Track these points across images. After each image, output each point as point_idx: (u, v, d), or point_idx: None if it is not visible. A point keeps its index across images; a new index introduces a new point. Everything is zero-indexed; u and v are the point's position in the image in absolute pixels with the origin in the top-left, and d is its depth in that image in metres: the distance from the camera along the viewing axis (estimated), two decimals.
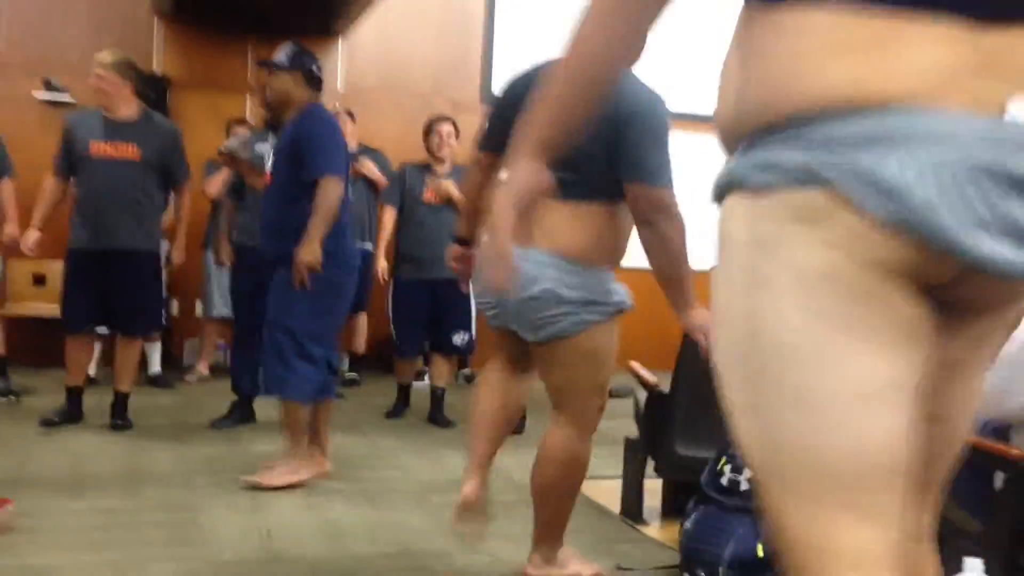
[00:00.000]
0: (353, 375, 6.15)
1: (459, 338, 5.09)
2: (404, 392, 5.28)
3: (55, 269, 5.52)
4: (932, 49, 1.02)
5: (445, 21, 6.93)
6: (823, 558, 1.05)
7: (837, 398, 1.04)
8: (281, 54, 3.82)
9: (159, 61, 6.33)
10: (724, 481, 2.70)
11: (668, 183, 2.41)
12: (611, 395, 6.09)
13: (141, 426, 4.60)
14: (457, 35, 6.96)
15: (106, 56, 4.44)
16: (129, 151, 4.41)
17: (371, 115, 6.42)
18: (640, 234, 2.46)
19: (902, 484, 1.07)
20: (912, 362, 1.07)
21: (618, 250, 2.56)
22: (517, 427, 3.94)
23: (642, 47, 1.27)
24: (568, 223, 2.41)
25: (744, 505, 2.60)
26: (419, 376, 5.80)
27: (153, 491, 3.59)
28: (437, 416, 5.13)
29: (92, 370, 5.27)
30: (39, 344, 5.62)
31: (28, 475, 3.71)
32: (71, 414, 4.57)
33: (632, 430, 3.62)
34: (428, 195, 5.03)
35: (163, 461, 4.02)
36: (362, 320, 6.16)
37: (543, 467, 2.62)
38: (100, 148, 4.40)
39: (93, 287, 4.44)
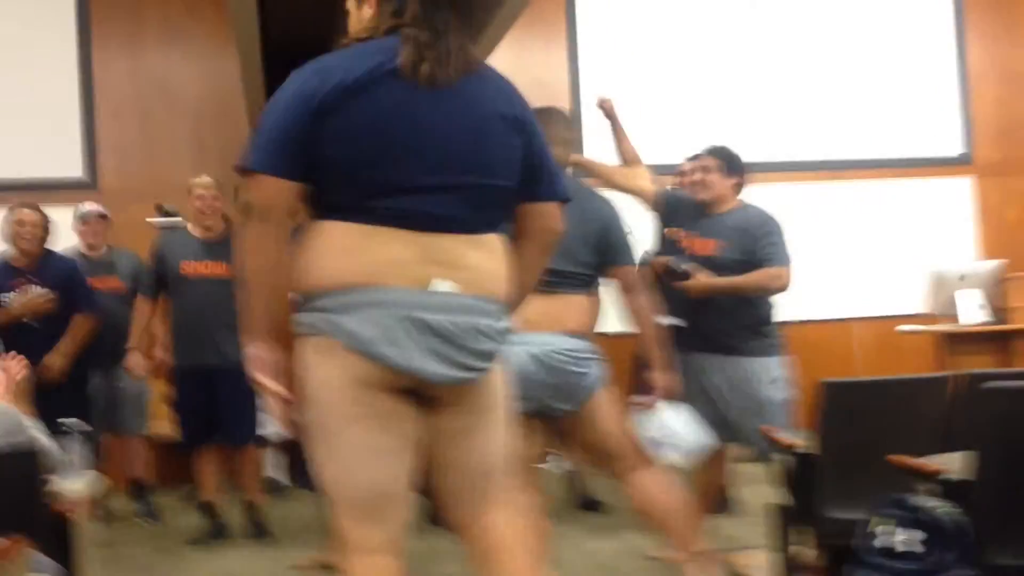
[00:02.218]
0: None
1: None
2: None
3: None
4: (391, 249, 1.81)
5: (531, 100, 6.91)
6: (348, 546, 1.87)
7: (348, 456, 1.84)
8: None
9: None
10: (877, 543, 2.47)
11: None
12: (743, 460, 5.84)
13: (281, 536, 4.58)
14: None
15: (206, 179, 4.57)
16: (221, 269, 4.47)
17: None
18: (628, 301, 3.12)
19: (396, 505, 1.88)
20: (398, 435, 1.86)
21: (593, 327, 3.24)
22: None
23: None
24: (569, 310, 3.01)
25: (904, 568, 2.37)
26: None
27: None
28: (584, 500, 4.98)
29: None
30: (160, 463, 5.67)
31: None
32: (215, 530, 4.57)
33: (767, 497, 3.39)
34: None
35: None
36: None
37: (659, 496, 3.06)
38: (193, 268, 4.50)
39: (202, 403, 4.49)
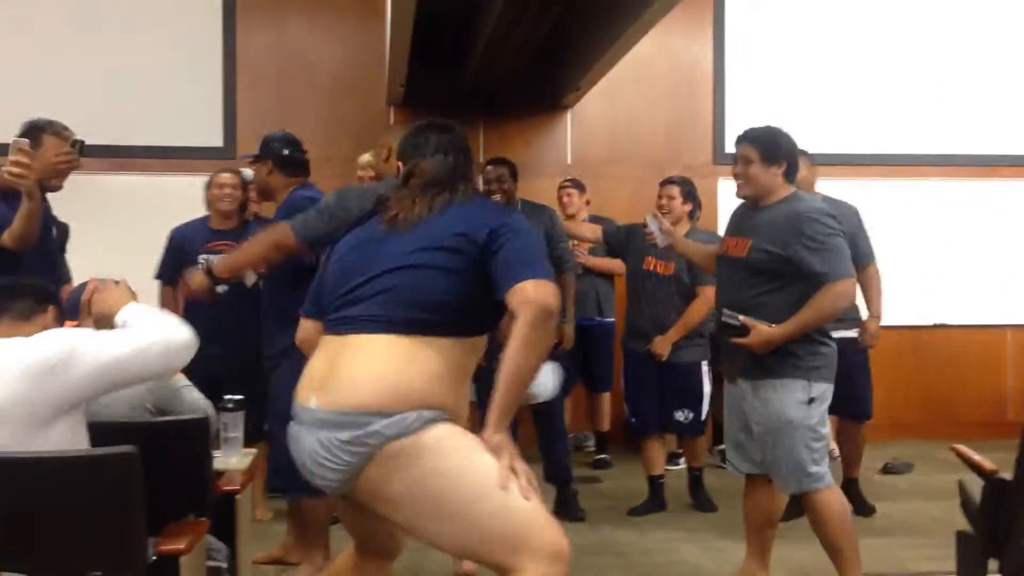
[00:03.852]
0: (603, 456, 5.89)
1: (681, 415, 4.72)
2: (655, 487, 4.82)
3: None
4: (316, 359, 2.20)
5: (673, 86, 6.73)
6: None
7: None
8: (257, 149, 3.72)
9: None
10: None
11: None
12: (886, 471, 5.60)
13: None
14: (686, 99, 6.74)
15: (368, 157, 4.52)
16: None
17: (603, 186, 6.28)
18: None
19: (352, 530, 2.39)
20: (350, 518, 2.36)
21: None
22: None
23: None
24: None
25: None
26: (672, 459, 5.49)
27: None
28: (700, 500, 4.83)
29: None
30: None
31: None
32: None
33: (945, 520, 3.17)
34: (647, 264, 4.74)
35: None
36: (605, 399, 5.93)
37: None
38: None
39: None
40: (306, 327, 2.42)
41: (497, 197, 4.41)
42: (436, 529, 2.05)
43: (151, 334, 2.22)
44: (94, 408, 2.34)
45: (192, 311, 3.66)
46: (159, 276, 4.49)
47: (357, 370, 2.06)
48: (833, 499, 3.23)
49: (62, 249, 3.82)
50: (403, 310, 2.10)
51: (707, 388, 4.69)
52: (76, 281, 3.39)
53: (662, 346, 4.59)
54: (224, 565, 2.59)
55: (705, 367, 4.67)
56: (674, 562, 3.95)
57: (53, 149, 3.41)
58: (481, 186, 4.56)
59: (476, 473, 2.01)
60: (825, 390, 3.25)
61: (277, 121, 6.39)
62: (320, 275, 2.38)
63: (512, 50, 5.51)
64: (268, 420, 3.65)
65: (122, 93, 6.26)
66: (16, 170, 3.11)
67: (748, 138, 3.32)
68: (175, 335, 2.25)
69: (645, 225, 4.10)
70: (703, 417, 4.74)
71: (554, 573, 1.97)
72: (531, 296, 2.01)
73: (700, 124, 6.75)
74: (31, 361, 2.06)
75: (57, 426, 2.08)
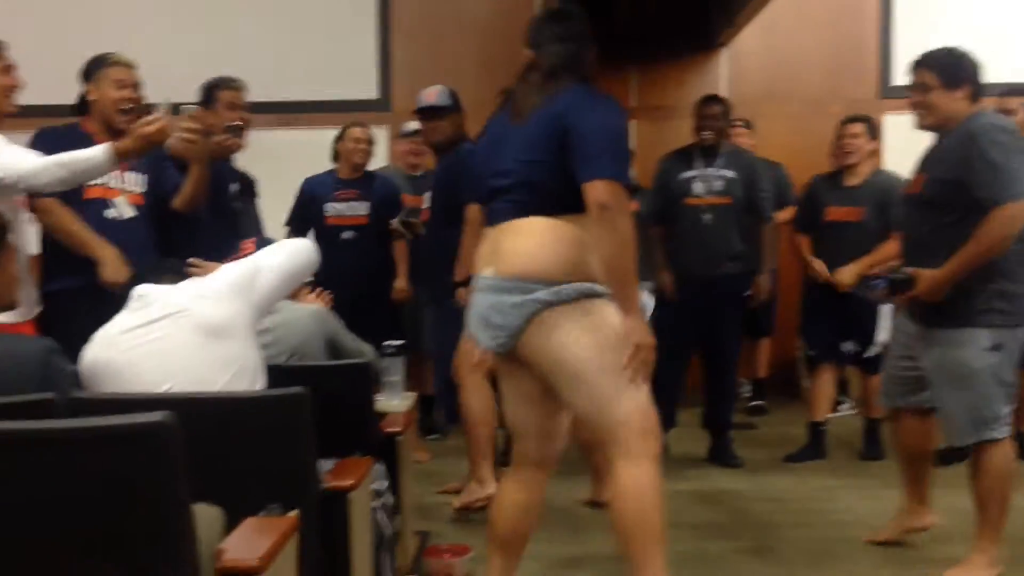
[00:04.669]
0: (759, 403, 5.80)
1: (847, 346, 4.57)
2: (816, 434, 4.70)
3: None
4: (484, 245, 2.54)
5: (835, 16, 6.42)
6: None
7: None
8: (443, 97, 3.94)
9: None
10: None
11: None
12: None
13: None
14: (849, 30, 6.42)
15: None
16: None
17: (761, 125, 6.06)
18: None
19: (528, 436, 2.59)
20: (515, 390, 2.57)
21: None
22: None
23: None
24: None
25: None
26: (834, 408, 5.34)
27: None
28: (871, 446, 4.65)
29: None
30: None
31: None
32: None
33: None
34: (828, 215, 4.59)
35: None
36: (764, 345, 5.82)
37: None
38: None
39: None
40: (472, 210, 2.86)
41: (709, 134, 4.59)
42: (566, 390, 2.41)
43: (285, 245, 2.65)
44: (272, 338, 2.64)
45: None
46: (288, 223, 4.76)
47: (517, 245, 2.41)
48: (1004, 453, 3.04)
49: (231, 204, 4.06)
50: (536, 199, 2.41)
51: (881, 336, 4.47)
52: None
53: (847, 274, 4.38)
54: (386, 483, 2.71)
55: (885, 311, 4.47)
56: (835, 509, 3.87)
57: (228, 100, 3.69)
58: (695, 122, 4.68)
59: (608, 351, 2.35)
60: (1013, 335, 2.99)
61: (431, 70, 6.50)
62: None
63: None
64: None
65: (283, 50, 6.47)
66: (186, 135, 3.29)
67: (925, 62, 3.08)
68: (295, 242, 2.73)
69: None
70: (871, 355, 4.56)
71: (648, 447, 2.37)
72: (589, 198, 2.31)
73: (864, 55, 6.43)
74: (232, 279, 2.37)
75: (254, 338, 2.39)
